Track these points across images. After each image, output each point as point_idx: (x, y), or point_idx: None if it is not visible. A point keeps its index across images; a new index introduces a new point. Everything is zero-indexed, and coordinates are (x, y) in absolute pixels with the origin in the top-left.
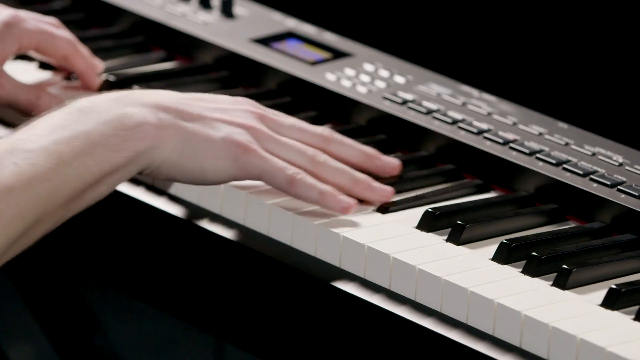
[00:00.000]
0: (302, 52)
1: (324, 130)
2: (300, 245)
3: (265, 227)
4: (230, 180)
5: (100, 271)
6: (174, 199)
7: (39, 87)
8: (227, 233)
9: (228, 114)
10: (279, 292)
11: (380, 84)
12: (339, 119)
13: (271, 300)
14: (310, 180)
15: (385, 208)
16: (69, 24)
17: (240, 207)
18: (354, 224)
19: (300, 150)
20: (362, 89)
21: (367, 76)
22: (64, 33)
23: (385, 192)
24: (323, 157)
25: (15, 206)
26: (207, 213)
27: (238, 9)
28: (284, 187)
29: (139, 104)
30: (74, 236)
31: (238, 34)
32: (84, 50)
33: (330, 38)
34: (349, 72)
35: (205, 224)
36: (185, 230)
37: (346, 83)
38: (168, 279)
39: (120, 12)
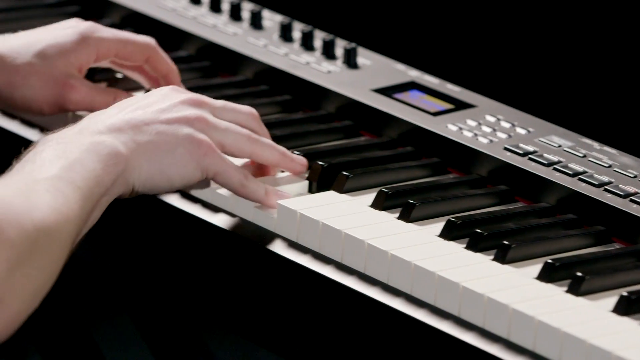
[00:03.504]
0: (424, 102)
1: (249, 109)
2: (415, 292)
3: (385, 276)
4: (193, 182)
5: (222, 316)
6: (296, 245)
7: (116, 89)
8: (347, 281)
9: (171, 111)
10: (395, 338)
11: (502, 135)
12: (460, 168)
13: (393, 350)
14: (256, 180)
15: (504, 257)
16: (194, 72)
17: (362, 258)
18: (473, 273)
19: (239, 132)
20: (483, 140)
21: (489, 127)
22: (143, 37)
23: (302, 160)
24: (255, 135)
25: (71, 226)
26: (329, 260)
27: (361, 60)
28: (237, 187)
29: (100, 132)
30: (195, 281)
31: (361, 83)
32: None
33: (452, 89)
34: (471, 123)
35: (327, 272)
36: (306, 276)
37: (468, 134)
38: (289, 324)
39: (246, 61)
